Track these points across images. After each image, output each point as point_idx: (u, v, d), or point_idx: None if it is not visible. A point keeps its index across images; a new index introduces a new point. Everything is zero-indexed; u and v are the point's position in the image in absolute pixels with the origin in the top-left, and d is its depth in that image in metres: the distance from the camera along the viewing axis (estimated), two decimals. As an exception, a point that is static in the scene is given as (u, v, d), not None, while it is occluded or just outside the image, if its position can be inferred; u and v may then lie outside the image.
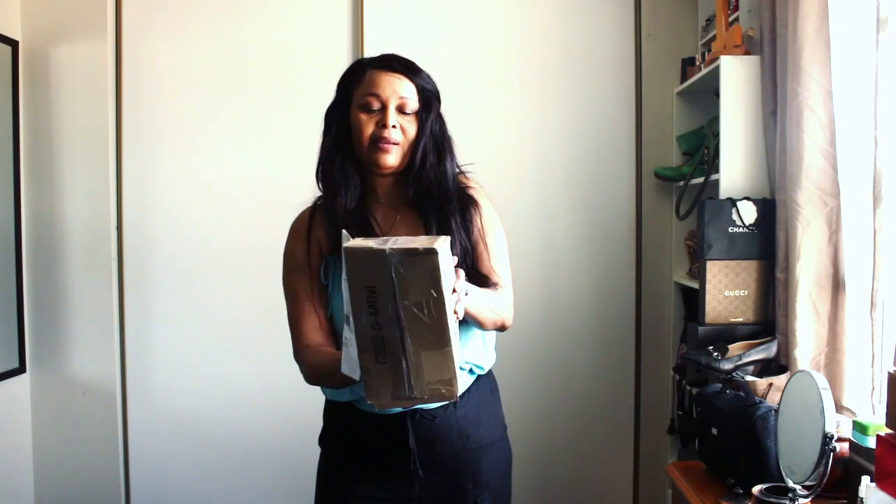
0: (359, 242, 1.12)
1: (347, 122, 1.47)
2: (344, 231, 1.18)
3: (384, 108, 1.43)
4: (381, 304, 1.11)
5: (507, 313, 1.49)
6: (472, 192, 1.53)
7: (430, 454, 1.48)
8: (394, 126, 1.43)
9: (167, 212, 2.88)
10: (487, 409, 1.55)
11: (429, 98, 1.47)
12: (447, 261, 1.15)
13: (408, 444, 1.47)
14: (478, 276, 1.47)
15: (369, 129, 1.43)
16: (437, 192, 1.46)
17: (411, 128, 1.45)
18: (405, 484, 1.49)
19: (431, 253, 1.09)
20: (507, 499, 1.61)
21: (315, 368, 1.42)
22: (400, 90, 1.43)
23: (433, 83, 1.49)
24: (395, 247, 1.09)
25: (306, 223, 1.53)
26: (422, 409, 1.47)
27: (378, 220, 1.50)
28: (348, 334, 1.17)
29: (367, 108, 1.44)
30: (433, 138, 1.47)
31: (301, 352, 1.46)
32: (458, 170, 1.52)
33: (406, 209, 1.51)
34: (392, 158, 1.44)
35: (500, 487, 1.57)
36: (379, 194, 1.51)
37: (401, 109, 1.44)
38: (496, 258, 1.52)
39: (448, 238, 1.20)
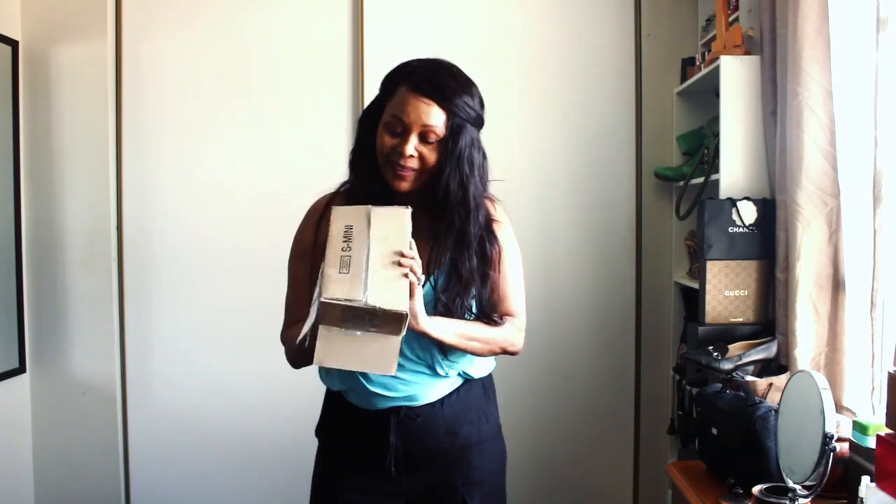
0: (333, 292, 1.25)
1: (376, 131, 1.45)
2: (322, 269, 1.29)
3: (406, 133, 1.39)
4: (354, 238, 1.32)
5: (507, 341, 1.50)
6: (495, 225, 1.51)
7: (417, 450, 1.50)
8: (411, 155, 1.39)
9: (167, 211, 2.88)
10: (478, 408, 1.55)
11: (460, 126, 1.40)
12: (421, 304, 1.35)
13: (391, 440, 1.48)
14: (488, 304, 1.49)
15: (387, 149, 1.41)
16: (457, 231, 1.44)
17: (431, 156, 1.41)
18: (394, 478, 1.51)
19: (400, 319, 1.26)
20: (499, 497, 1.60)
21: (290, 341, 1.46)
22: (425, 118, 1.38)
23: (472, 107, 1.42)
24: (370, 302, 1.25)
25: (320, 210, 1.54)
26: (406, 407, 1.48)
27: None
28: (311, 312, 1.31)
29: (391, 130, 1.41)
30: (459, 171, 1.41)
31: (286, 332, 1.51)
32: (486, 196, 1.49)
33: (425, 218, 1.45)
34: (405, 185, 1.42)
35: (492, 486, 1.57)
36: (399, 201, 1.48)
37: (423, 137, 1.40)
38: (510, 287, 1.52)
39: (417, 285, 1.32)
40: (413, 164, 1.40)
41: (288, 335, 1.50)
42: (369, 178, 1.46)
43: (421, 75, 1.41)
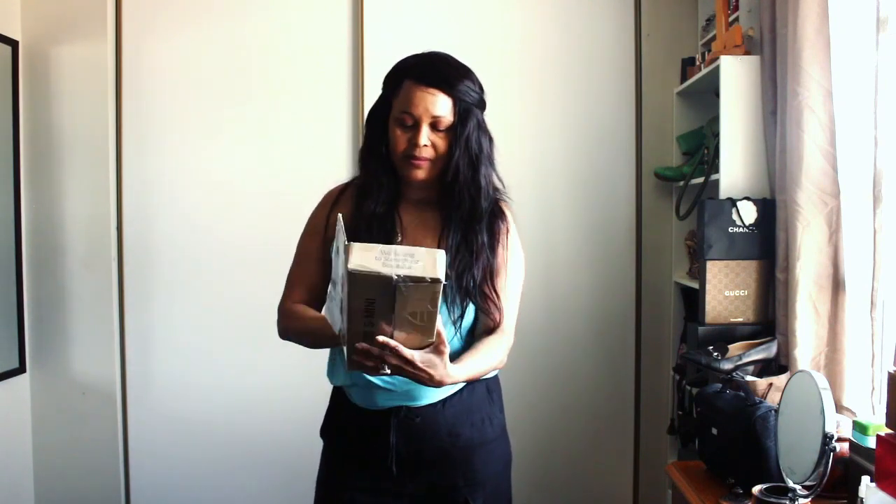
0: (362, 261, 1.15)
1: (386, 126, 1.49)
2: (340, 219, 1.22)
3: (417, 125, 1.44)
4: (377, 312, 1.19)
5: (499, 363, 1.51)
6: (504, 207, 1.56)
7: (418, 451, 1.51)
8: (425, 145, 1.45)
9: (167, 211, 2.88)
10: (481, 410, 1.56)
11: (467, 110, 1.46)
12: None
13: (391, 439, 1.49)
14: (489, 296, 1.49)
15: (402, 144, 1.46)
16: (467, 208, 1.49)
17: (443, 143, 1.46)
18: (396, 478, 1.51)
19: (436, 282, 1.17)
20: (503, 499, 1.61)
21: (297, 323, 1.50)
22: (433, 109, 1.43)
23: (474, 91, 1.47)
24: (401, 272, 1.16)
25: (335, 196, 1.60)
26: (406, 407, 1.49)
27: (402, 219, 1.54)
28: (332, 292, 1.24)
29: (402, 124, 1.46)
30: (468, 152, 1.47)
31: (287, 306, 1.55)
32: (495, 180, 1.54)
33: (432, 210, 1.54)
34: (422, 173, 1.48)
35: (496, 487, 1.58)
36: (409, 194, 1.55)
37: (434, 127, 1.45)
38: (508, 288, 1.54)
39: (443, 253, 1.21)
40: (427, 153, 1.46)
41: (292, 312, 1.53)
42: (380, 173, 1.51)
43: (422, 67, 1.46)
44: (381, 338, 1.21)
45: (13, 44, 2.75)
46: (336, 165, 2.80)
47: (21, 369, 2.82)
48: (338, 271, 1.23)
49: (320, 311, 1.55)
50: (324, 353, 1.59)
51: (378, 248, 1.18)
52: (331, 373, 1.59)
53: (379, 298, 1.17)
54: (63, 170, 2.82)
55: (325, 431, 1.64)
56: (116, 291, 2.85)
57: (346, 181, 1.63)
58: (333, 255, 1.24)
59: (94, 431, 2.86)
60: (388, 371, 1.25)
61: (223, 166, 2.86)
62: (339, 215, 1.25)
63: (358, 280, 1.15)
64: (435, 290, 1.18)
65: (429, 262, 1.18)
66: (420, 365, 1.25)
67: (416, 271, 1.17)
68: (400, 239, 1.52)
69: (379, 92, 1.55)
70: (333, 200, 1.59)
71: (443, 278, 1.18)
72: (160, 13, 2.85)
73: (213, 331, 2.88)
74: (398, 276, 1.15)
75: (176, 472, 2.91)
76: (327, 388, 1.64)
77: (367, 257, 1.16)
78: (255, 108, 2.86)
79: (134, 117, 2.85)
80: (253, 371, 2.88)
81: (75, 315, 2.84)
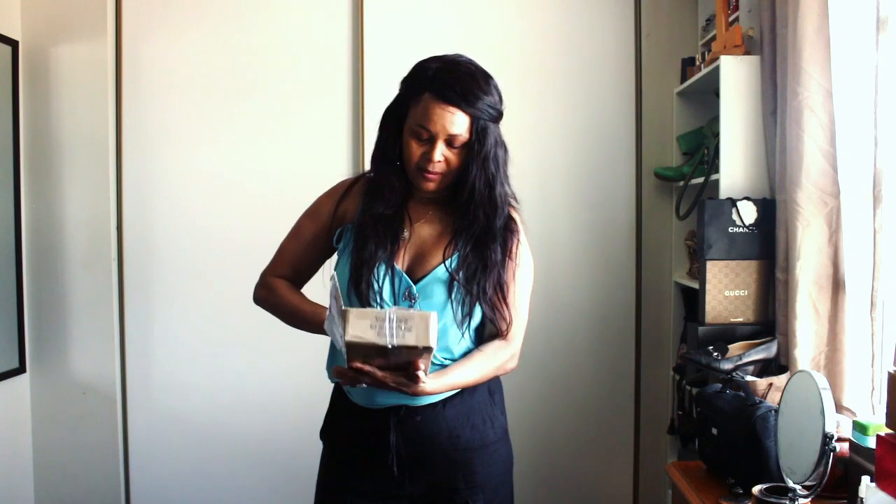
0: (357, 331, 1.24)
1: (400, 128, 1.48)
2: (335, 280, 1.29)
3: (433, 140, 1.43)
4: (372, 360, 1.30)
5: (497, 369, 1.52)
6: (514, 214, 1.56)
7: (418, 452, 1.50)
8: (439, 161, 1.44)
9: (167, 211, 2.88)
10: (482, 412, 1.55)
11: (485, 128, 1.44)
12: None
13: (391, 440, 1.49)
14: (498, 308, 1.50)
15: (416, 157, 1.46)
16: (482, 225, 1.49)
17: (457, 158, 1.46)
18: (395, 480, 1.51)
19: (428, 350, 1.26)
20: (504, 501, 1.60)
21: (279, 300, 1.59)
22: (450, 127, 1.42)
23: (493, 106, 1.45)
24: (395, 341, 1.25)
25: (345, 187, 1.60)
26: (406, 406, 1.49)
27: (411, 216, 1.54)
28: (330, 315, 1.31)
29: (418, 137, 1.45)
30: (485, 172, 1.47)
31: (270, 280, 1.63)
32: (509, 195, 1.54)
33: (441, 208, 1.54)
34: (433, 185, 1.48)
35: (496, 490, 1.57)
36: (418, 192, 1.54)
37: (449, 143, 1.44)
38: (517, 297, 1.54)
39: (436, 317, 1.27)
40: (440, 168, 1.46)
41: (276, 286, 1.61)
42: (392, 177, 1.51)
43: (443, 82, 1.42)
44: (356, 364, 1.29)
45: (13, 44, 2.75)
46: (336, 165, 2.79)
47: (21, 369, 2.81)
48: (335, 328, 1.30)
49: (300, 288, 1.63)
50: (323, 354, 1.59)
51: (373, 314, 1.25)
52: (331, 370, 1.59)
53: (373, 354, 1.28)
54: (63, 170, 2.82)
55: (324, 433, 1.63)
56: (116, 292, 2.85)
57: (359, 174, 1.63)
58: (330, 309, 1.31)
59: (94, 431, 2.86)
60: (364, 385, 1.34)
61: (223, 166, 2.86)
62: (335, 277, 1.31)
63: (355, 347, 1.25)
64: (426, 354, 1.27)
65: (421, 328, 1.25)
66: (392, 385, 1.33)
67: (409, 340, 1.25)
68: (407, 235, 1.52)
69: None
70: (343, 192, 1.59)
71: (434, 345, 1.26)
72: (160, 13, 2.85)
73: (213, 331, 2.88)
74: (392, 345, 1.24)
75: (176, 472, 2.91)
76: (327, 389, 1.64)
77: (362, 326, 1.25)
78: (255, 108, 2.86)
79: (134, 117, 2.85)
80: (253, 371, 2.88)
81: (75, 315, 2.84)
